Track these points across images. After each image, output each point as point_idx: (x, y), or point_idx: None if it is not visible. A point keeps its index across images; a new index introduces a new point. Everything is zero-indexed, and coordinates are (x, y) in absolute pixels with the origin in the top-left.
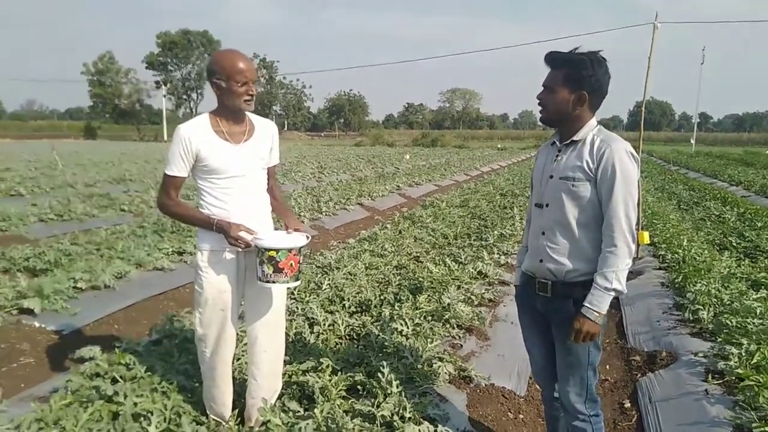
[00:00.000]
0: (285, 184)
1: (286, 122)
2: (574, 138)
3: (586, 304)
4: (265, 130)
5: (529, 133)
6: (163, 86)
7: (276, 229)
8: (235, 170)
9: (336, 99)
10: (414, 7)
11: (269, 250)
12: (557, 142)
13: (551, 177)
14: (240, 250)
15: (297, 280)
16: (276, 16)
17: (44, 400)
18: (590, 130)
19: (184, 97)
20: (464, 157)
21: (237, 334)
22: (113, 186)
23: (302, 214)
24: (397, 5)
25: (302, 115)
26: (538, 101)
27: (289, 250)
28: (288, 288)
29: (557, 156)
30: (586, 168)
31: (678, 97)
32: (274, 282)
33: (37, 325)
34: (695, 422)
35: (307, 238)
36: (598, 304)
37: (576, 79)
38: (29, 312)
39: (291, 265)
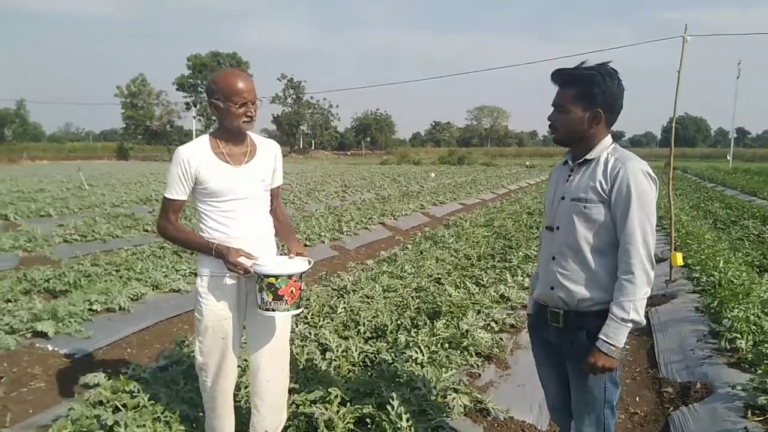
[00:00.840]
0: (308, 203)
1: (313, 141)
2: (587, 157)
3: (601, 336)
4: (267, 150)
5: (558, 150)
6: (193, 107)
7: (280, 253)
8: (236, 193)
9: (363, 118)
10: (441, 26)
11: (268, 276)
12: (569, 162)
13: (563, 198)
14: (239, 276)
15: (298, 308)
16: (304, 37)
17: (47, 429)
18: (604, 149)
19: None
20: (491, 174)
21: (239, 363)
22: (139, 206)
23: (323, 234)
24: (425, 24)
25: (329, 134)
26: (553, 122)
27: (289, 277)
28: (292, 315)
29: (569, 176)
30: (599, 189)
31: (714, 113)
32: (273, 310)
33: (50, 348)
34: None
35: (309, 263)
36: (614, 336)
37: (589, 96)
38: (43, 335)
39: (291, 292)
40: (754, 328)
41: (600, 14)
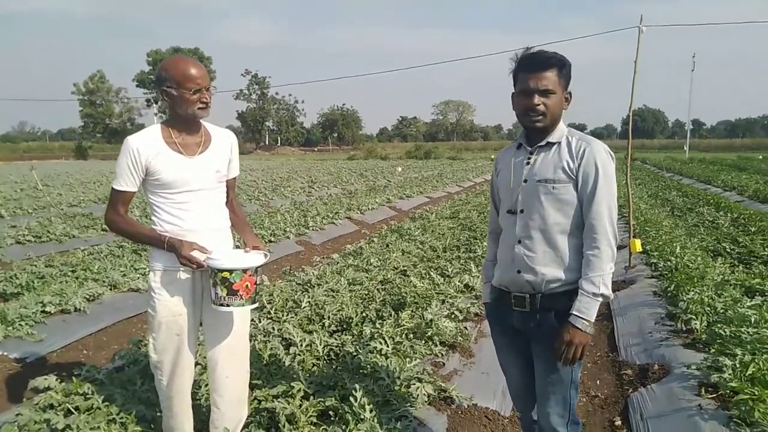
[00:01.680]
0: (273, 199)
1: (279, 138)
2: (550, 140)
3: (574, 312)
4: (223, 140)
5: None
6: (154, 104)
7: (236, 246)
8: (190, 184)
9: (329, 113)
10: (405, 22)
11: (222, 270)
12: (525, 146)
13: (525, 181)
14: (193, 270)
15: (254, 302)
16: (268, 34)
17: None
18: (563, 131)
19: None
20: (457, 168)
21: (198, 359)
22: (98, 205)
23: (288, 229)
24: (387, 20)
25: (295, 130)
26: (542, 108)
27: (244, 271)
28: (251, 309)
29: (529, 159)
30: (567, 169)
31: (671, 105)
32: (228, 305)
33: None
34: None
35: (265, 256)
36: (586, 311)
37: (568, 77)
38: None
39: (246, 286)
40: (708, 309)
41: (563, 6)
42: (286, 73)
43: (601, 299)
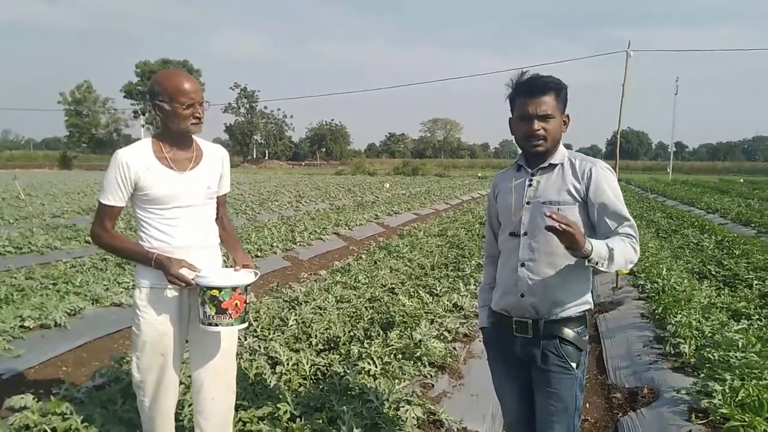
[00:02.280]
0: (261, 214)
1: (267, 151)
2: (552, 161)
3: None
4: (214, 156)
5: (509, 162)
6: (141, 115)
7: (226, 265)
8: (180, 200)
9: (317, 128)
10: (394, 40)
11: (211, 288)
12: (526, 168)
13: (528, 203)
14: (181, 288)
15: (243, 321)
16: (257, 48)
17: None
18: (564, 152)
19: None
20: (445, 185)
21: (182, 379)
22: (81, 216)
23: (275, 244)
24: (377, 37)
25: (283, 144)
26: (542, 133)
27: (234, 289)
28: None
29: (530, 181)
30: (573, 191)
31: (654, 127)
32: (216, 324)
33: None
34: None
35: (255, 275)
36: (597, 246)
37: (564, 101)
38: None
39: (236, 305)
40: (696, 332)
41: (553, 32)
42: (275, 88)
43: (605, 261)
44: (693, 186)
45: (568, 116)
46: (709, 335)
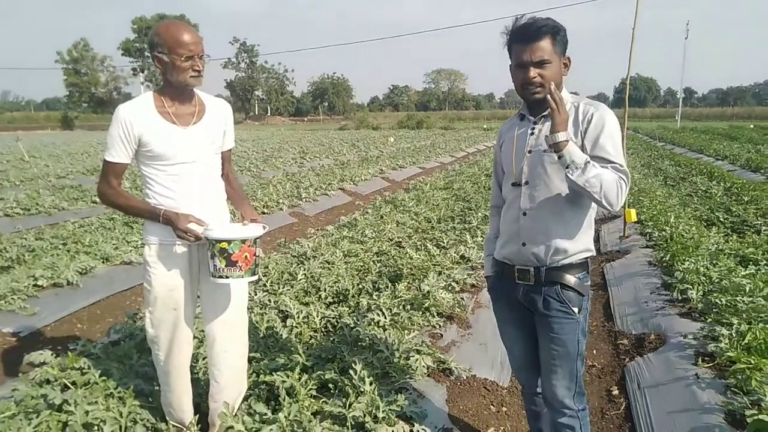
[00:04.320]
0: (265, 171)
1: (269, 107)
2: None
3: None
4: (217, 110)
5: (515, 112)
6: (140, 73)
7: (233, 220)
8: (184, 156)
9: (319, 82)
10: None
11: (220, 241)
12: (528, 116)
13: (529, 152)
14: (190, 243)
15: (254, 274)
16: (256, 1)
17: None
18: (567, 98)
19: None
20: (450, 138)
21: (196, 333)
22: (86, 177)
23: (281, 201)
24: None
25: (285, 100)
26: (539, 80)
27: (243, 241)
28: (249, 282)
29: (532, 130)
30: (573, 135)
31: (663, 73)
32: (227, 277)
33: None
34: (685, 409)
35: (264, 228)
36: (573, 150)
37: (564, 43)
38: None
39: (245, 257)
40: (704, 278)
41: None
42: (275, 42)
43: (577, 169)
44: (702, 133)
45: (569, 59)
46: (717, 281)
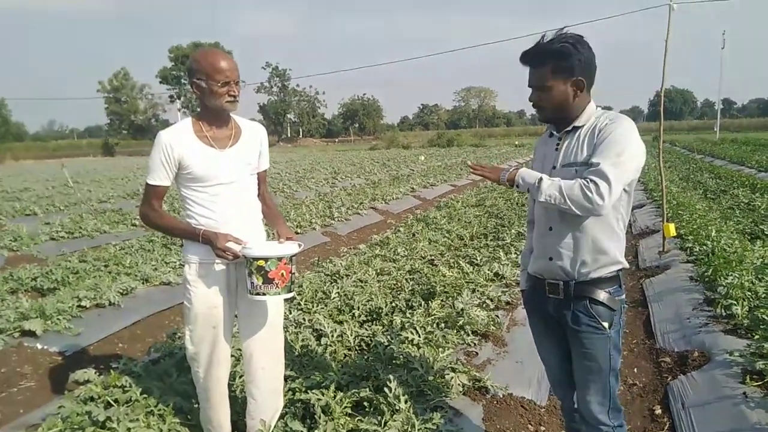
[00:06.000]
0: (298, 191)
1: (300, 129)
2: (576, 124)
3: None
4: (252, 133)
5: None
6: (177, 99)
7: (269, 238)
8: (222, 177)
9: (350, 104)
10: (422, 9)
11: (258, 259)
12: (554, 132)
13: (554, 168)
14: (229, 261)
15: (290, 291)
16: (287, 26)
17: (37, 428)
18: (592, 114)
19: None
20: (481, 155)
21: (233, 351)
22: (126, 201)
23: (314, 220)
24: (404, 7)
25: (317, 122)
26: (539, 103)
27: (279, 259)
28: (284, 300)
29: (557, 145)
30: (586, 149)
31: (699, 84)
32: (264, 294)
33: (39, 347)
34: (734, 429)
35: (299, 246)
36: (524, 175)
37: (566, 68)
38: (31, 334)
39: (282, 275)
40: (749, 293)
41: None
42: (306, 64)
43: (534, 186)
44: (742, 144)
45: (581, 80)
46: (764, 296)
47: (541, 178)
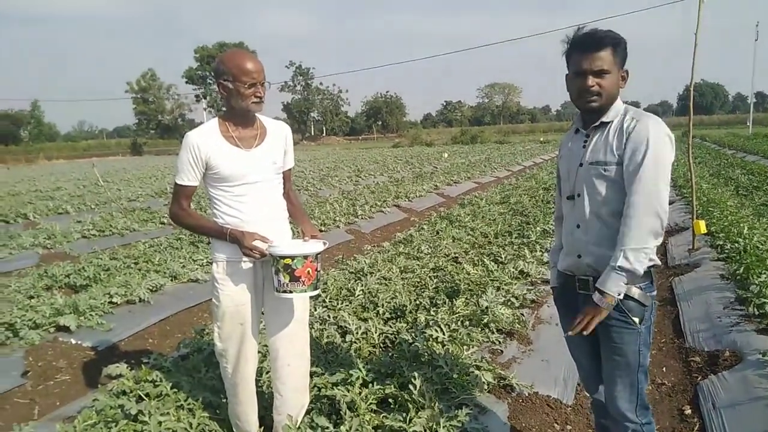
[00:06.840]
0: (322, 189)
1: (324, 128)
2: (604, 119)
3: (597, 285)
4: (278, 133)
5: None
6: (203, 99)
7: (294, 236)
8: (248, 176)
9: (373, 101)
10: (444, 6)
11: (284, 257)
12: (581, 128)
13: (581, 165)
14: (256, 259)
15: (316, 288)
16: (310, 24)
17: (73, 420)
18: (619, 110)
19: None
20: (505, 152)
21: (260, 348)
22: (155, 199)
23: (338, 218)
24: (427, 4)
25: (340, 120)
26: (596, 89)
27: (305, 257)
28: (310, 297)
29: (585, 142)
30: (614, 149)
31: (731, 78)
32: (291, 291)
33: (73, 341)
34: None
35: (324, 244)
36: (602, 282)
37: (623, 55)
38: (65, 329)
39: (308, 272)
40: None
41: None
42: (329, 63)
43: (623, 274)
44: None
45: (626, 71)
46: None
47: (621, 275)
